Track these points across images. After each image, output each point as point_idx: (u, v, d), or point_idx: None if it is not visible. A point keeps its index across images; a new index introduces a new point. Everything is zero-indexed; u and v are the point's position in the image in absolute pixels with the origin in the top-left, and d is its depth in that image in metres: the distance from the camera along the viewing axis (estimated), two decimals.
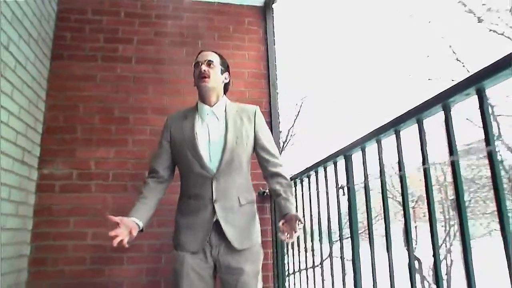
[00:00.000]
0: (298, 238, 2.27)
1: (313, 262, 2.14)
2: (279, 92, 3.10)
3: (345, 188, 1.52)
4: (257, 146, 1.78)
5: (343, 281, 1.70)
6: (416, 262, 19.41)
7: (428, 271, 20.05)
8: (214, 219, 1.65)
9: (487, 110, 0.87)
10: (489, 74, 0.81)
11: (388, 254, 1.27)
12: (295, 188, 2.29)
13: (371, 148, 1.38)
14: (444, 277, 21.43)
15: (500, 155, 15.93)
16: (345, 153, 1.53)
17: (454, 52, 14.25)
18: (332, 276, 1.86)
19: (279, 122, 2.99)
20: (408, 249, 1.22)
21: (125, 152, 2.71)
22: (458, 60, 14.12)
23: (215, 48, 2.99)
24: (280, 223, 1.50)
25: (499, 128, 15.67)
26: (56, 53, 2.81)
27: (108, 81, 2.83)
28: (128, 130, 2.75)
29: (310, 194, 2.04)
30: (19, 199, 2.34)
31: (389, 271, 1.25)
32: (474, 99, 0.91)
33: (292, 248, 2.43)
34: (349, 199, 1.51)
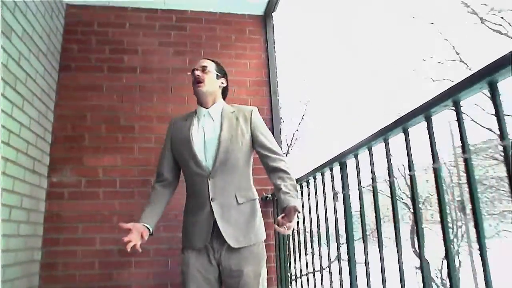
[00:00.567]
0: (301, 241, 2.33)
1: (313, 266, 2.20)
2: (283, 97, 3.18)
3: (339, 194, 1.59)
4: (255, 145, 1.82)
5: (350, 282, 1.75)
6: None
7: (435, 273, 19.98)
8: (214, 218, 1.70)
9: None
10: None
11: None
12: (302, 191, 2.36)
13: (377, 148, 1.40)
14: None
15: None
16: (340, 159, 1.60)
17: (457, 53, 14.26)
18: (339, 279, 1.92)
19: (281, 129, 3.06)
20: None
21: (132, 160, 2.80)
22: (462, 61, 14.13)
23: (217, 57, 3.08)
24: (280, 217, 1.54)
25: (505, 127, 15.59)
26: (64, 65, 2.91)
27: (114, 90, 2.93)
28: (134, 138, 2.84)
29: (309, 199, 2.11)
30: (30, 206, 2.43)
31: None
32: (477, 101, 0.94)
33: (294, 251, 2.49)
34: (344, 205, 1.58)
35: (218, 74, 1.92)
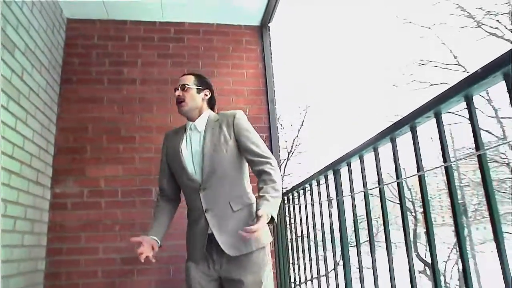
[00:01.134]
0: (299, 247, 2.38)
1: (311, 272, 2.25)
2: (282, 105, 3.24)
3: (333, 201, 1.64)
4: (241, 149, 1.78)
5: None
6: (426, 268, 19.27)
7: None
8: (209, 231, 1.70)
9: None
10: (475, 81, 0.84)
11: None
12: (293, 200, 2.41)
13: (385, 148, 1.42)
14: (457, 282, 21.24)
15: (506, 157, 15.86)
16: (333, 167, 1.66)
17: (455, 57, 14.34)
18: (337, 285, 1.96)
19: (279, 136, 3.12)
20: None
21: (133, 170, 2.86)
22: (459, 64, 14.20)
23: (215, 67, 3.17)
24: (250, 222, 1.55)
25: (504, 130, 15.63)
26: (66, 78, 2.98)
27: (115, 102, 2.99)
28: (135, 149, 2.90)
29: (306, 206, 2.16)
30: (34, 217, 2.49)
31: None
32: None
33: (293, 258, 2.54)
34: (338, 211, 1.63)
35: (199, 87, 1.91)
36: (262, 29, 3.38)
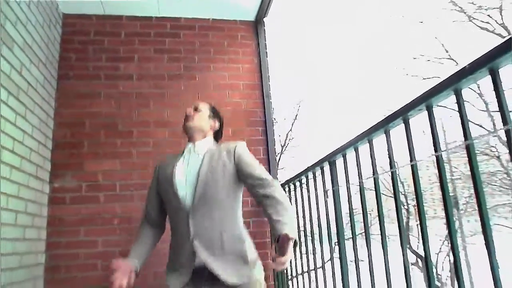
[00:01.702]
0: (298, 241, 2.43)
1: (308, 264, 2.31)
2: (276, 98, 3.30)
3: (329, 192, 1.70)
4: (243, 177, 1.72)
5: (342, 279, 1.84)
6: (418, 260, 19.52)
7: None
8: (197, 259, 1.64)
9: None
10: (464, 76, 0.90)
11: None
12: (289, 192, 2.46)
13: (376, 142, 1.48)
14: (448, 274, 21.52)
15: (496, 150, 16.07)
16: (329, 159, 1.72)
17: (447, 51, 14.46)
18: (332, 276, 2.02)
19: (274, 130, 3.17)
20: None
21: (130, 164, 2.90)
22: (451, 58, 14.33)
23: (210, 62, 3.20)
24: (273, 249, 1.42)
25: (494, 124, 15.83)
26: (62, 74, 2.99)
27: (112, 97, 3.02)
28: (132, 143, 2.94)
29: (302, 197, 2.21)
30: (34, 211, 2.52)
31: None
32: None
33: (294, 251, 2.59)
34: (334, 202, 1.69)
35: (211, 114, 1.91)
36: (257, 24, 3.42)
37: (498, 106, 0.85)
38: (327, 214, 1.85)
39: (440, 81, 1.01)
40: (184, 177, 1.72)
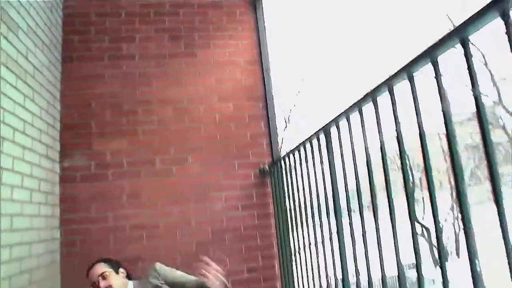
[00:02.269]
0: (298, 215, 2.53)
1: (309, 239, 2.36)
2: (278, 76, 3.35)
3: (325, 161, 1.79)
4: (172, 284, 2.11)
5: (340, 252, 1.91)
6: (424, 231, 19.75)
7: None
8: None
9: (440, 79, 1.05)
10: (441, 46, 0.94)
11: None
12: (289, 164, 2.53)
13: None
14: (453, 244, 21.76)
15: (501, 119, 16.02)
16: (325, 129, 1.80)
17: (450, 20, 14.30)
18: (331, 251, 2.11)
19: (274, 105, 3.24)
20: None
21: (136, 142, 3.00)
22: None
23: (210, 39, 3.25)
24: None
25: (499, 93, 15.73)
26: (66, 56, 3.07)
27: (116, 78, 3.10)
28: (138, 122, 3.03)
29: (301, 169, 2.30)
30: (47, 189, 2.64)
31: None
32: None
33: (292, 225, 2.68)
34: (330, 171, 1.78)
35: (115, 268, 2.17)
36: (255, 0, 3.45)
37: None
38: (325, 187, 1.93)
39: (446, 32, 1.00)
40: None
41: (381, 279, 1.48)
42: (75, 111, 3.00)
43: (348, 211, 1.76)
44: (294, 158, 2.39)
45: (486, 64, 14.51)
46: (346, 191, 1.79)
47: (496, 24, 0.89)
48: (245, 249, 2.93)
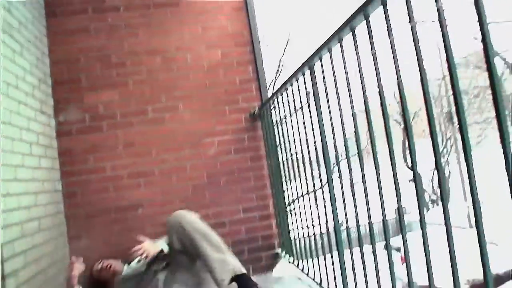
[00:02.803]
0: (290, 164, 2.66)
1: (301, 189, 2.50)
2: (268, 25, 3.34)
3: (311, 94, 1.87)
4: None
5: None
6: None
7: (428, 184, 21.05)
8: None
9: None
10: None
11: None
12: (282, 101, 2.59)
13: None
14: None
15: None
16: (309, 63, 1.87)
17: None
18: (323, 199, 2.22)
19: (261, 49, 3.27)
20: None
21: (127, 93, 3.06)
22: None
23: None
24: None
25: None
26: (49, 11, 3.04)
27: (102, 30, 3.10)
28: (127, 73, 3.07)
29: (289, 107, 2.38)
30: (45, 143, 2.72)
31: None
32: None
33: (285, 176, 2.81)
34: (315, 103, 1.86)
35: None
36: None
37: None
38: (310, 117, 2.02)
39: None
40: None
41: (382, 222, 1.52)
42: (65, 66, 3.03)
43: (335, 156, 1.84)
44: (282, 97, 2.48)
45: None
46: (331, 126, 1.87)
47: None
48: (240, 191, 3.08)
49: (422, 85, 1.23)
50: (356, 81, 1.55)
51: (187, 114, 3.08)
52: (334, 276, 2.18)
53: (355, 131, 1.66)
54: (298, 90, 2.17)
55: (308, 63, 1.88)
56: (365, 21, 1.39)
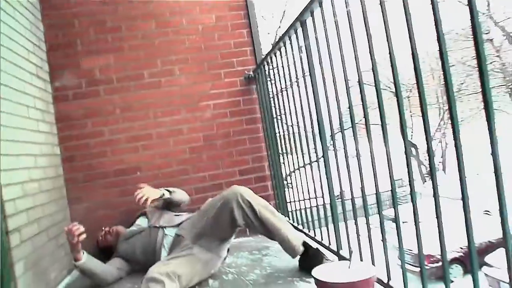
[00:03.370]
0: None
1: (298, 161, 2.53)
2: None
3: (303, 48, 1.89)
4: None
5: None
6: (413, 149, 20.39)
7: (424, 157, 21.20)
8: None
9: None
10: None
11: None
12: (276, 60, 2.63)
13: None
14: (440, 159, 22.56)
15: (487, 31, 15.87)
16: (300, 18, 1.89)
17: None
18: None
19: (255, 12, 3.24)
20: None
21: (123, 58, 3.07)
22: None
23: None
24: None
25: (488, 3, 15.44)
26: None
27: None
28: (122, 38, 3.08)
29: (283, 67, 2.40)
30: (42, 107, 2.75)
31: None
32: None
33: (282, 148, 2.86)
34: (307, 56, 1.89)
35: None
36: None
37: None
38: (302, 69, 2.03)
39: None
40: None
41: (375, 195, 1.58)
42: (59, 31, 3.02)
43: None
44: (276, 57, 2.50)
45: None
46: (323, 82, 1.90)
47: None
48: (236, 153, 3.13)
49: (413, 59, 1.25)
50: (348, 41, 1.56)
51: (183, 78, 3.10)
52: (328, 235, 2.26)
53: (347, 92, 1.68)
54: (291, 47, 2.18)
55: (300, 18, 1.90)
56: None
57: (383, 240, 1.54)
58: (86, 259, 2.16)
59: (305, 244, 2.04)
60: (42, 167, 2.59)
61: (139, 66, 3.05)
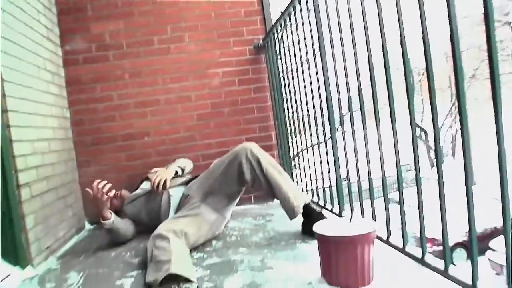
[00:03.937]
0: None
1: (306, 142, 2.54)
2: None
3: (311, 11, 1.88)
4: None
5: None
6: (422, 133, 20.24)
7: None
8: None
9: None
10: None
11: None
12: (285, 29, 2.61)
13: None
14: (450, 144, 22.38)
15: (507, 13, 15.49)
16: None
17: None
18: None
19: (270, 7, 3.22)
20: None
21: (133, 23, 3.06)
22: None
23: None
24: None
25: None
26: None
27: None
28: (132, 3, 3.06)
29: (292, 34, 2.38)
30: (52, 69, 2.78)
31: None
32: None
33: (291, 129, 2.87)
34: (315, 17, 1.88)
35: None
36: None
37: None
38: (314, 54, 2.03)
39: None
40: None
41: (381, 179, 1.61)
42: None
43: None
44: (286, 25, 2.48)
45: None
46: (332, 53, 1.90)
47: None
48: (243, 121, 3.15)
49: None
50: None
51: (192, 45, 3.10)
52: (331, 198, 2.29)
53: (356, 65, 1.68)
54: (301, 14, 2.17)
55: None
56: None
57: (385, 196, 1.56)
58: (114, 217, 2.16)
59: (308, 207, 2.06)
60: (51, 127, 2.63)
61: (148, 32, 3.06)
